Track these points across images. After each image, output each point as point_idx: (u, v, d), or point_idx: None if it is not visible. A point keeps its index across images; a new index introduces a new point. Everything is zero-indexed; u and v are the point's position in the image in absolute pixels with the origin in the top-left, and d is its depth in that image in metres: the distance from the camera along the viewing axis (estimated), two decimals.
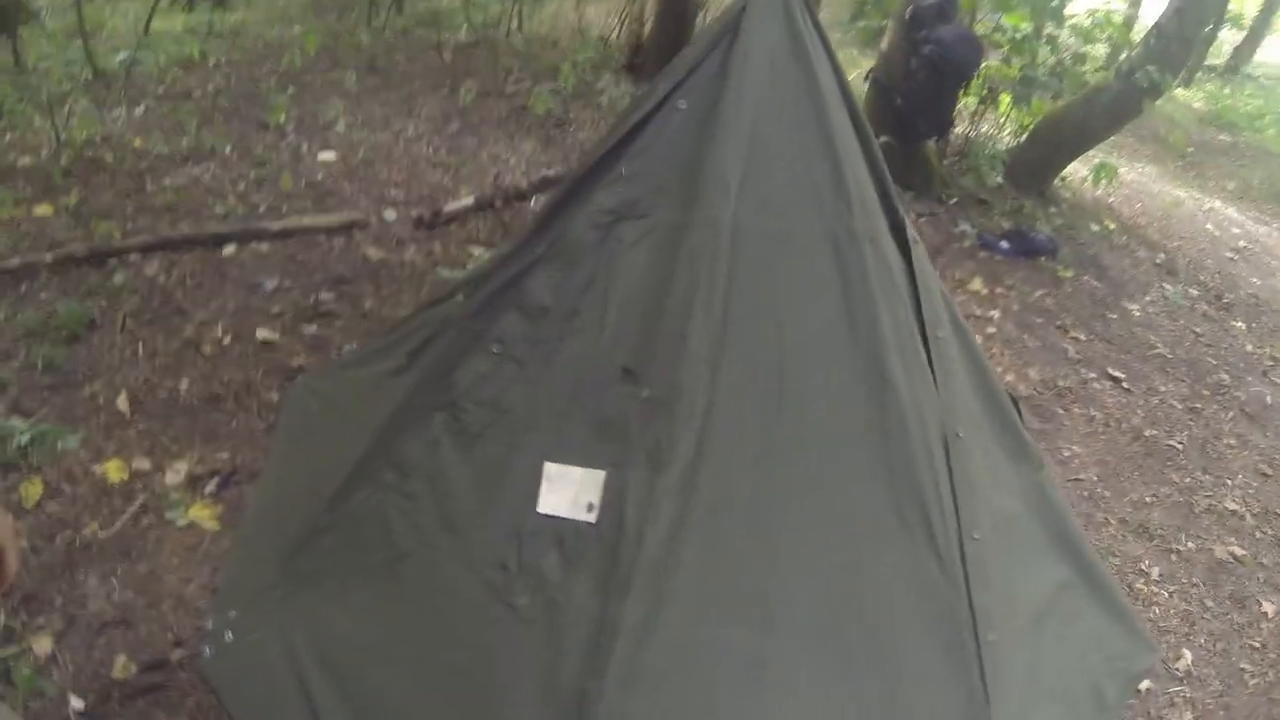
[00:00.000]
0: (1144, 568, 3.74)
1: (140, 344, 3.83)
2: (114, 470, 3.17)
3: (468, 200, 5.45)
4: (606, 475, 2.00)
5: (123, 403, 3.48)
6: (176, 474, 3.21)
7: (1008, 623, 2.20)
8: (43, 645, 2.59)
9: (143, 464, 3.24)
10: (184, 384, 3.64)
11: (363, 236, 4.99)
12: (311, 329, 4.09)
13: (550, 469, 2.06)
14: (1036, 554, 2.50)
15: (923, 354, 2.19)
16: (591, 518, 1.99)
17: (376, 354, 2.97)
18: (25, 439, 3.18)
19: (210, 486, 3.19)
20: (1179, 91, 15.03)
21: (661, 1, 8.16)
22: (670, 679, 1.90)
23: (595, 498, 1.99)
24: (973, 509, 2.16)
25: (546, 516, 2.04)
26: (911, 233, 2.29)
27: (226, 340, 3.93)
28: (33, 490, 3.03)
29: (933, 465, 2.10)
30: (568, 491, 2.03)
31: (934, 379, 2.19)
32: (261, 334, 3.99)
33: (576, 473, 2.03)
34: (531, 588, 2.01)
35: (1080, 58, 8.25)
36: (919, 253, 2.29)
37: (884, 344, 2.10)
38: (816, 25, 2.19)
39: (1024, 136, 8.15)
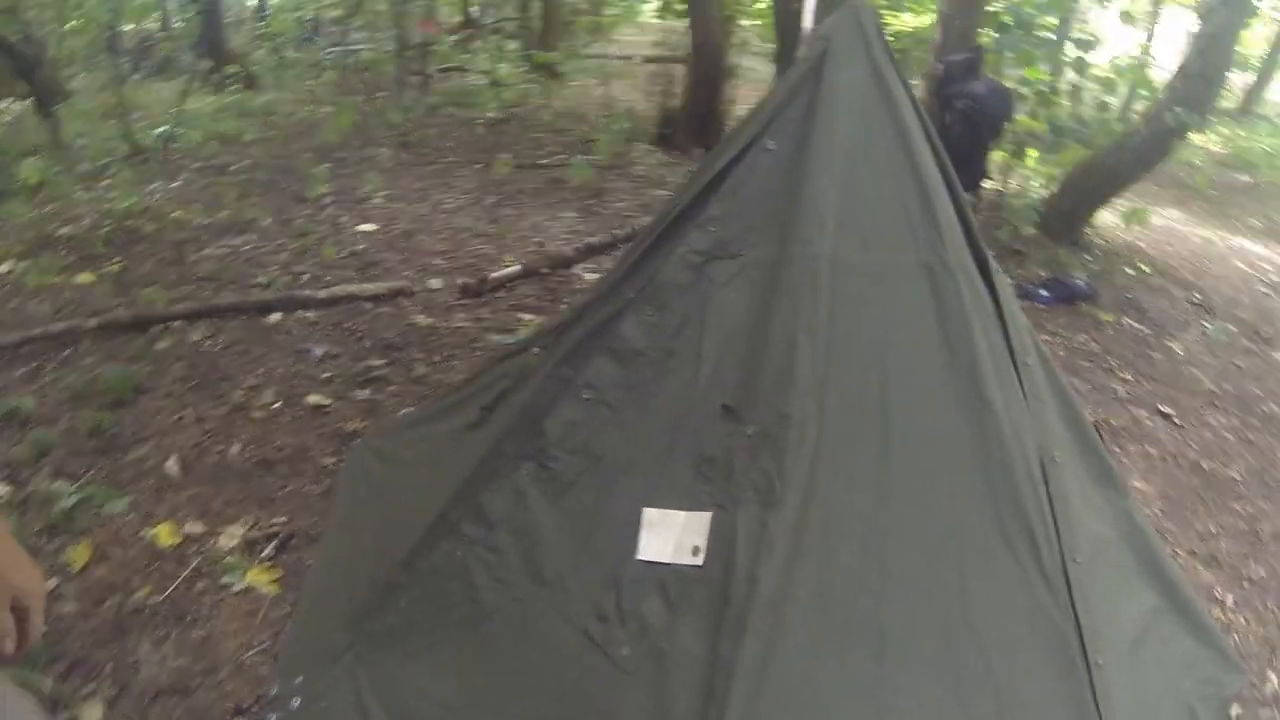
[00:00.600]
0: (1218, 595, 3.66)
1: (188, 409, 3.79)
2: (165, 534, 3.09)
3: (514, 267, 5.42)
4: (713, 517, 1.95)
5: (172, 466, 3.43)
6: (231, 538, 3.12)
7: (1112, 646, 2.15)
8: (93, 714, 2.47)
9: (195, 528, 3.16)
10: (235, 448, 3.58)
11: (409, 304, 4.97)
12: (364, 394, 4.05)
13: (650, 514, 2.02)
14: (1129, 579, 2.47)
15: (1015, 379, 2.17)
16: (698, 560, 1.95)
17: (446, 411, 2.95)
18: (71, 502, 3.11)
19: (267, 550, 3.09)
20: (1195, 136, 15.10)
21: (693, 73, 8.29)
22: (789, 715, 1.85)
23: (701, 540, 1.95)
24: (1072, 532, 2.12)
25: (647, 564, 2.00)
26: (994, 264, 2.27)
27: (277, 405, 3.89)
28: (80, 554, 2.95)
29: (1034, 488, 2.07)
30: (670, 536, 1.98)
31: (1026, 404, 2.16)
32: (312, 399, 3.94)
33: (679, 516, 1.99)
34: (633, 636, 1.96)
35: (1104, 105, 8.31)
36: (1003, 283, 2.27)
37: (981, 368, 2.08)
38: (895, 64, 2.20)
39: (1054, 186, 8.18)
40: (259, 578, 2.98)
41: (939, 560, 2.02)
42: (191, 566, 3.00)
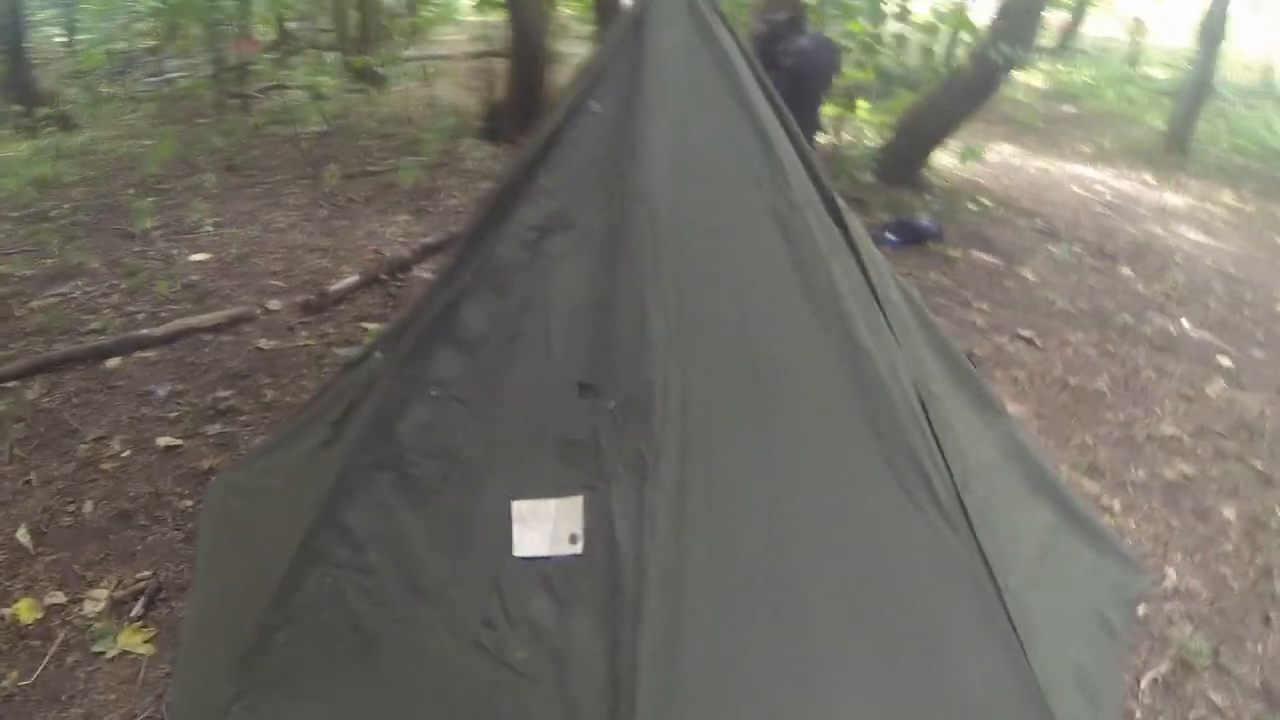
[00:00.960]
0: (1105, 503, 3.79)
1: (33, 471, 3.55)
2: (25, 610, 2.89)
3: (353, 278, 5.33)
4: (584, 499, 1.85)
5: (23, 536, 3.20)
6: (96, 602, 2.94)
7: (1019, 569, 2.16)
8: None
9: (57, 598, 2.96)
10: (88, 506, 3.37)
11: (251, 329, 4.79)
12: (215, 428, 3.87)
13: (519, 507, 1.91)
14: (1022, 499, 2.50)
15: (881, 316, 2.13)
16: (577, 549, 1.84)
17: (297, 433, 2.78)
18: None
19: (136, 609, 2.92)
20: (1019, 74, 15.69)
21: (514, 63, 8.31)
22: (708, 702, 1.77)
23: (577, 527, 1.84)
24: (961, 462, 2.11)
25: (527, 560, 1.89)
26: (841, 203, 2.22)
27: (126, 454, 3.68)
28: None
29: (918, 423, 2.03)
30: (544, 527, 1.87)
31: (895, 340, 2.12)
32: (162, 441, 3.75)
33: (550, 505, 1.88)
34: (526, 639, 1.85)
35: (929, 51, 8.50)
36: (854, 221, 2.22)
37: (846, 308, 2.03)
38: (720, 14, 2.13)
39: (887, 134, 8.33)
40: (132, 639, 2.82)
41: (834, 512, 1.97)
42: (59, 640, 2.82)
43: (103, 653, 2.77)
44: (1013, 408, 4.45)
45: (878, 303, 2.15)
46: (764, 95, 2.16)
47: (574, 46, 9.40)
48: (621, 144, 2.00)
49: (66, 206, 6.46)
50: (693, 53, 2.08)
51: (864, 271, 2.16)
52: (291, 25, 12.85)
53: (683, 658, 1.76)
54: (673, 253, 1.92)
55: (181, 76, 10.65)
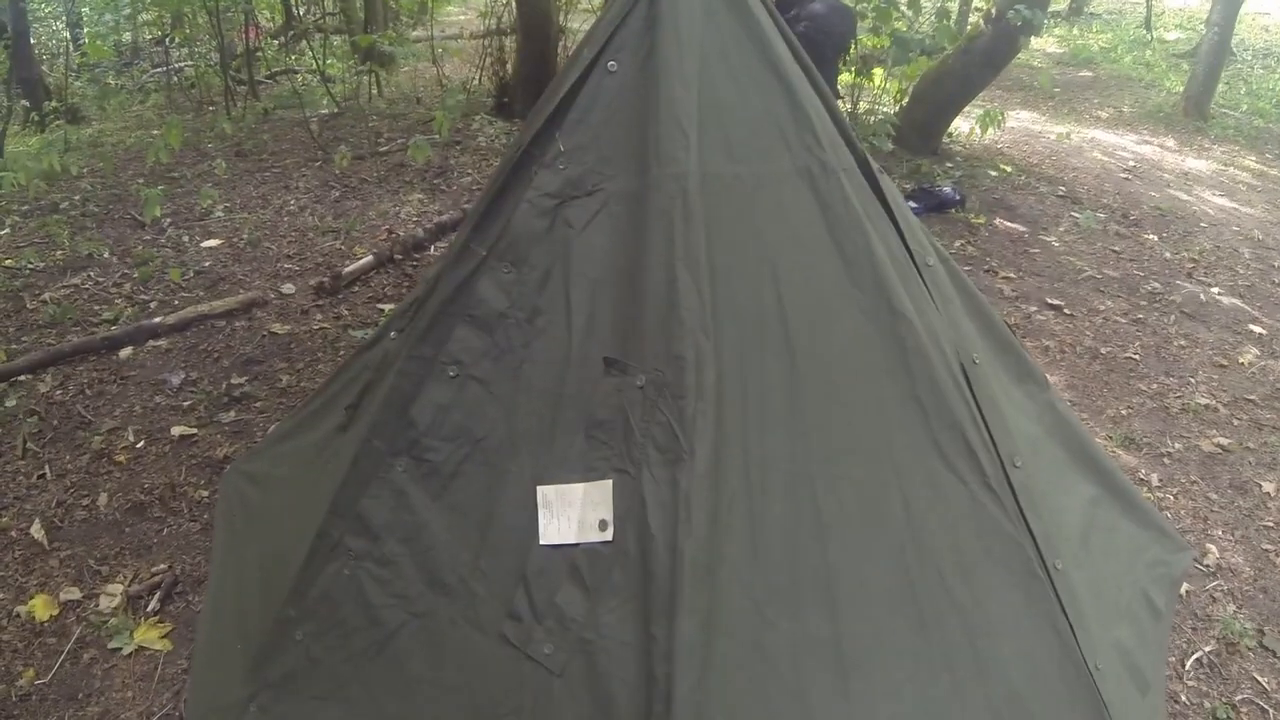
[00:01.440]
0: (1142, 476, 3.70)
1: (47, 466, 3.50)
2: (41, 607, 2.85)
3: (366, 259, 5.25)
4: (614, 483, 1.75)
5: (37, 531, 3.15)
6: (112, 597, 2.90)
7: (1065, 547, 2.07)
8: None
9: (73, 594, 2.92)
10: (102, 499, 3.32)
11: (264, 314, 4.74)
12: (230, 416, 3.81)
13: (545, 493, 1.81)
14: (1064, 473, 2.40)
15: (920, 282, 2.02)
16: (607, 536, 1.74)
17: (311, 419, 2.70)
18: None
19: (152, 604, 2.88)
20: (1034, 40, 15.50)
21: (522, 39, 8.22)
22: (747, 695, 1.67)
23: (606, 513, 1.75)
24: (1007, 436, 2.01)
25: (553, 548, 1.79)
26: (875, 164, 2.10)
27: (140, 445, 3.62)
28: None
29: (962, 395, 1.93)
30: (571, 514, 1.78)
31: (936, 307, 2.02)
32: (177, 430, 3.69)
33: (578, 490, 1.78)
34: (554, 632, 1.77)
35: (945, 14, 8.34)
36: (888, 183, 2.10)
37: (885, 273, 1.92)
38: None
39: (904, 100, 8.19)
40: (148, 635, 2.79)
41: (876, 491, 1.87)
42: (75, 637, 2.79)
43: (119, 649, 2.74)
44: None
45: (916, 269, 2.04)
46: (790, 50, 2.04)
47: (582, 20, 9.30)
48: (641, 103, 1.88)
49: (76, 198, 6.42)
50: (712, 6, 1.96)
51: (901, 236, 2.05)
52: (300, 9, 12.76)
53: (719, 651, 1.67)
54: (701, 218, 1.81)
55: (188, 65, 10.56)
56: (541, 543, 1.80)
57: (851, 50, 7.09)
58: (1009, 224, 6.67)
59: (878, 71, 7.89)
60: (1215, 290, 5.87)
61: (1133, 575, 2.46)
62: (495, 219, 1.97)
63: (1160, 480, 3.68)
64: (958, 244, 6.12)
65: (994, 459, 1.94)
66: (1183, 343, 5.00)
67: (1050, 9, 17.22)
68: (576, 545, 1.77)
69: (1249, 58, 16.12)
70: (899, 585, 1.84)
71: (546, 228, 1.91)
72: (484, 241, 1.96)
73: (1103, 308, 5.36)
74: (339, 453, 2.29)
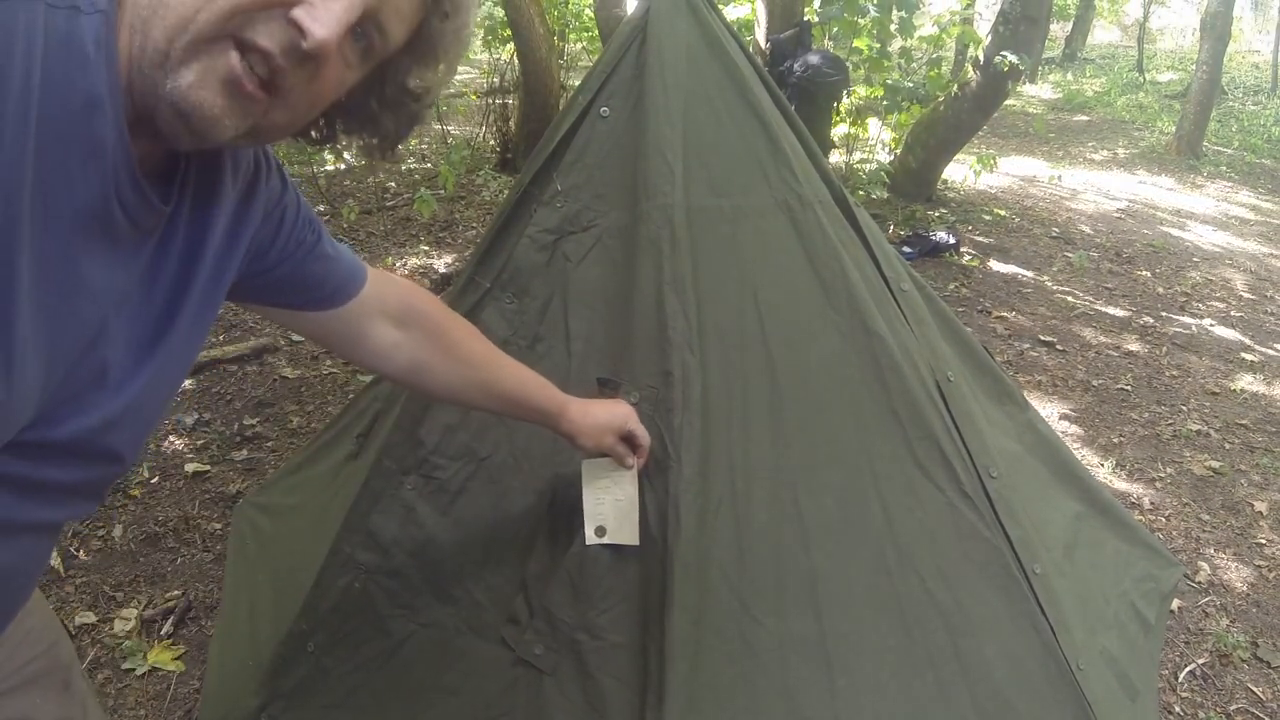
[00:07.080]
0: (1134, 500, 3.79)
1: None
2: None
3: None
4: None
5: (54, 560, 3.23)
6: (126, 621, 2.97)
7: (1046, 554, 2.15)
8: None
9: (88, 618, 2.99)
10: (117, 530, 3.41)
11: (275, 359, 4.84)
12: (242, 454, 3.91)
13: (589, 466, 1.92)
14: (1046, 489, 2.48)
15: (895, 305, 2.15)
16: (603, 540, 1.85)
17: (324, 449, 2.80)
18: None
19: (166, 627, 2.96)
20: (1026, 87, 15.75)
21: (525, 98, 8.45)
22: (736, 690, 1.77)
23: (606, 520, 1.86)
24: (983, 449, 2.11)
25: (548, 552, 1.90)
26: (852, 199, 2.25)
27: (154, 480, 3.72)
28: None
29: (936, 409, 2.04)
30: (605, 496, 1.89)
31: (910, 328, 2.14)
32: (190, 467, 3.78)
33: (604, 480, 1.89)
34: (543, 633, 1.87)
35: (936, 62, 8.52)
36: (864, 216, 2.25)
37: (860, 297, 2.04)
38: (723, 18, 2.17)
39: (898, 148, 8.34)
40: (161, 656, 2.84)
41: (856, 497, 1.98)
42: (89, 659, 2.84)
43: (132, 670, 2.79)
44: (1038, 410, 4.49)
45: (891, 293, 2.17)
46: (768, 93, 2.19)
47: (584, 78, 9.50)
48: (631, 144, 2.03)
49: None
50: (697, 52, 2.11)
51: (876, 263, 2.19)
52: None
53: (709, 648, 1.77)
54: (688, 248, 1.94)
55: None
56: (587, 528, 1.87)
57: (844, 100, 7.25)
58: (1003, 266, 6.79)
59: (871, 120, 8.04)
60: (1208, 321, 6.00)
61: (1120, 588, 2.53)
62: (498, 253, 2.11)
63: (1152, 503, 3.77)
64: (952, 286, 6.25)
65: (969, 469, 2.04)
66: (1174, 373, 5.12)
67: (1045, 55, 17.55)
68: (572, 552, 1.88)
69: (1240, 95, 16.37)
70: (881, 587, 1.93)
71: (546, 261, 2.05)
72: (488, 274, 2.10)
73: (1095, 342, 5.48)
74: (351, 477, 2.40)
